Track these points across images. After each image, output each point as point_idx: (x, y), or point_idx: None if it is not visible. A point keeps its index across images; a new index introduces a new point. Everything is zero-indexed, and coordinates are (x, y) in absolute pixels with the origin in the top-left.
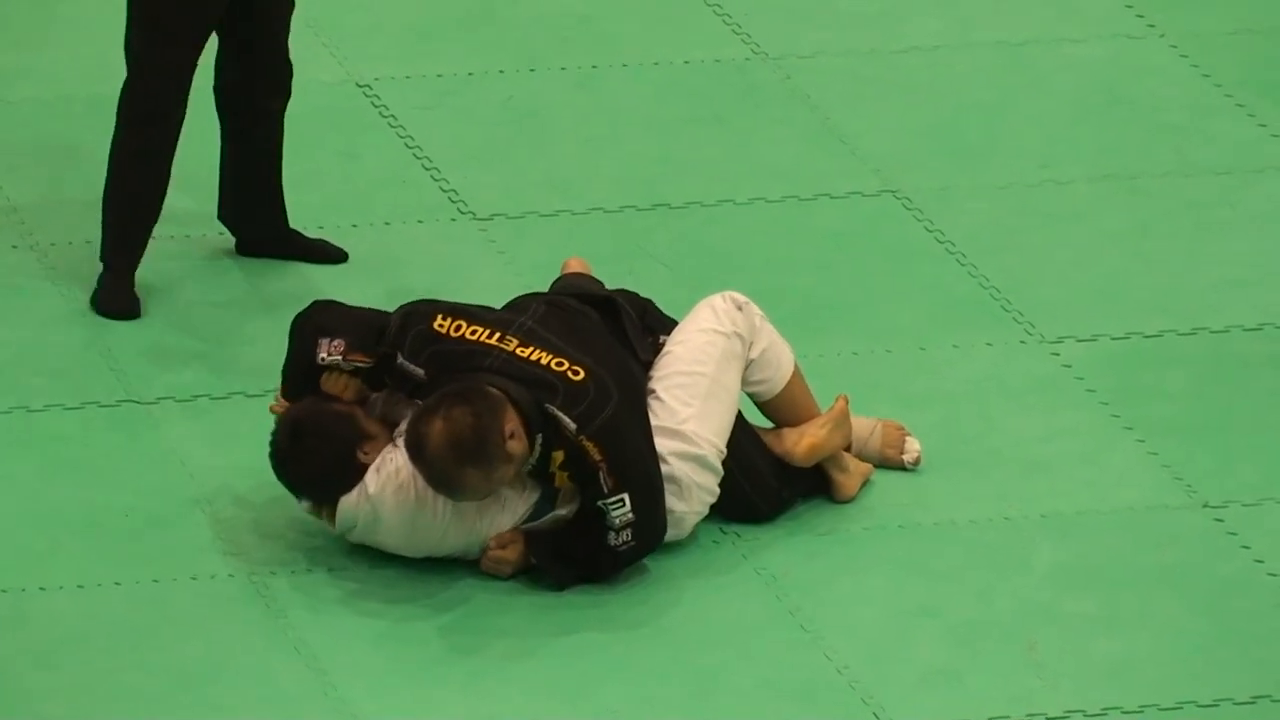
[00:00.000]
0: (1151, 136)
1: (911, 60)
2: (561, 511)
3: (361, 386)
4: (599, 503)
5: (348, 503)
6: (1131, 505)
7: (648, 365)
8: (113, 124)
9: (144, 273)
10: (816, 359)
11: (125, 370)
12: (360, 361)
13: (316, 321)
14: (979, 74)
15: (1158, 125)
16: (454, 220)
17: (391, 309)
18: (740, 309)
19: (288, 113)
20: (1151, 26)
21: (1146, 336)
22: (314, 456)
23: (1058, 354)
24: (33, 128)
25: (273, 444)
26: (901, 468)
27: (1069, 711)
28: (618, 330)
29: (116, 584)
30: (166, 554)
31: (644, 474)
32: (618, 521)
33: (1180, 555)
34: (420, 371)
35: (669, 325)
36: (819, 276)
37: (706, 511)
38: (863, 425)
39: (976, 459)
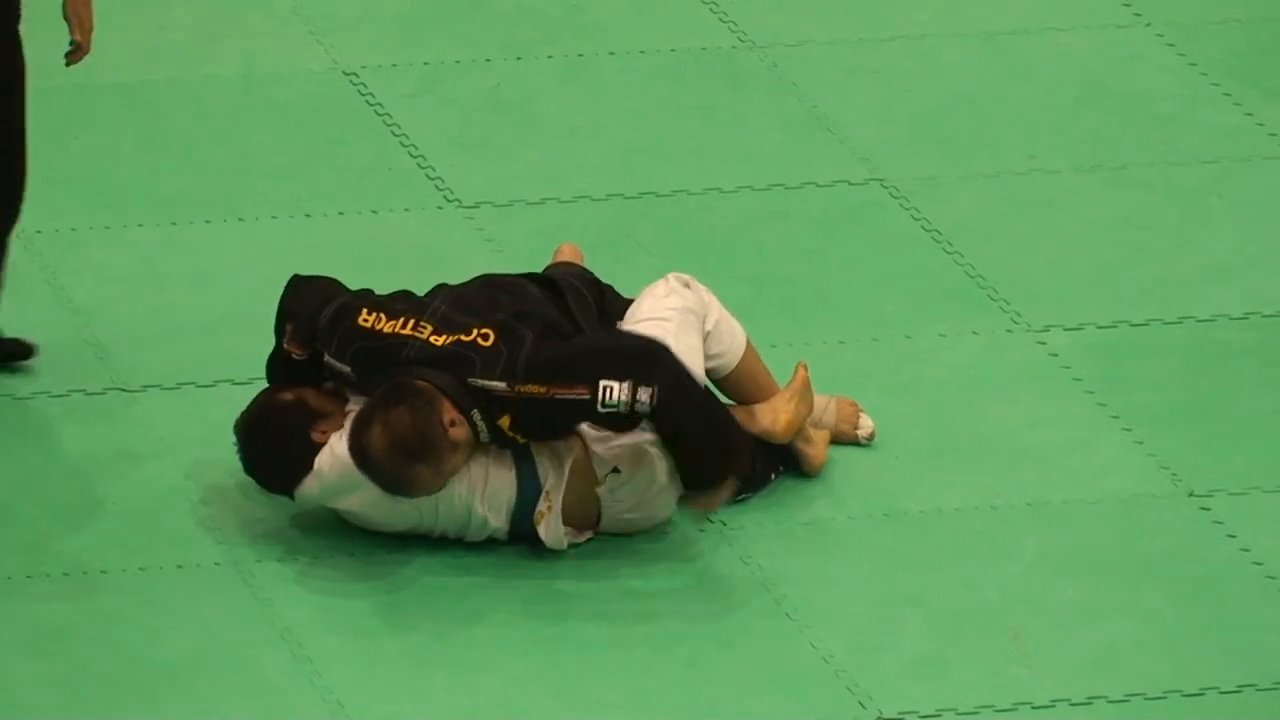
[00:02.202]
0: (1139, 126)
1: (899, 49)
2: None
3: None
4: (600, 410)
5: (304, 487)
6: (1118, 494)
7: None
8: (101, 113)
9: (130, 261)
10: (803, 347)
11: (111, 358)
12: (297, 352)
13: (285, 303)
14: (966, 63)
15: (1145, 115)
16: (440, 208)
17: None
18: (688, 285)
19: (275, 102)
20: (1138, 16)
21: (1133, 325)
22: (270, 454)
23: (1044, 343)
24: None
25: (237, 450)
26: (855, 443)
27: (1055, 700)
28: (562, 306)
29: (103, 572)
30: (152, 542)
31: (589, 355)
32: (626, 399)
33: (1166, 544)
34: (347, 369)
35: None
36: (805, 265)
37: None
38: (817, 401)
39: (962, 447)
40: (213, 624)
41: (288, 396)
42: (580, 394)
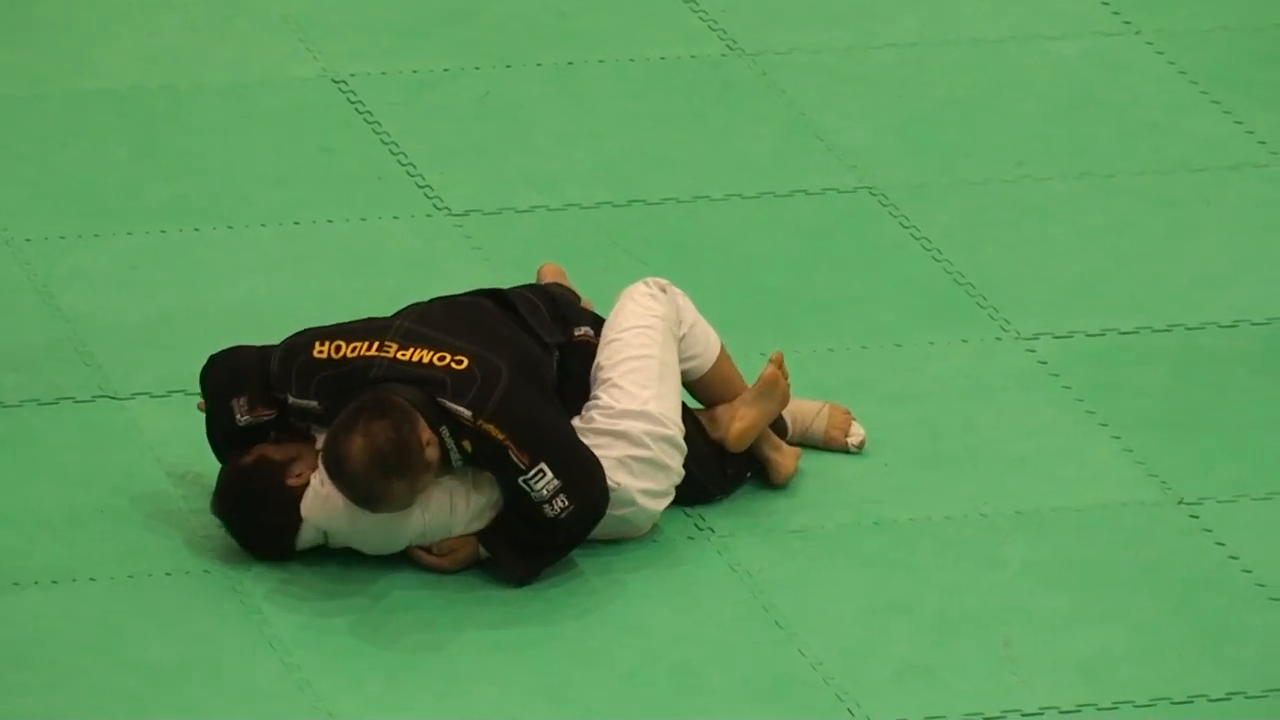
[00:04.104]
0: (1128, 134)
1: (888, 57)
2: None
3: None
4: (520, 481)
5: (302, 539)
6: (1107, 502)
7: (562, 348)
8: (91, 121)
9: (119, 269)
10: (792, 356)
11: (100, 365)
12: (264, 415)
13: (219, 381)
14: (956, 71)
15: (1134, 123)
16: (430, 216)
17: (361, 309)
18: (664, 291)
19: (265, 109)
20: (1128, 24)
21: (1122, 333)
22: (257, 522)
23: (1034, 351)
24: (8, 125)
25: (223, 526)
26: (845, 450)
27: (1044, 708)
28: (516, 318)
29: (91, 580)
30: (141, 550)
31: (553, 437)
32: (545, 492)
33: (1155, 552)
34: (313, 403)
35: (587, 317)
36: (795, 273)
37: (673, 495)
38: (809, 407)
39: (952, 455)
40: (202, 632)
41: (247, 460)
42: (521, 460)
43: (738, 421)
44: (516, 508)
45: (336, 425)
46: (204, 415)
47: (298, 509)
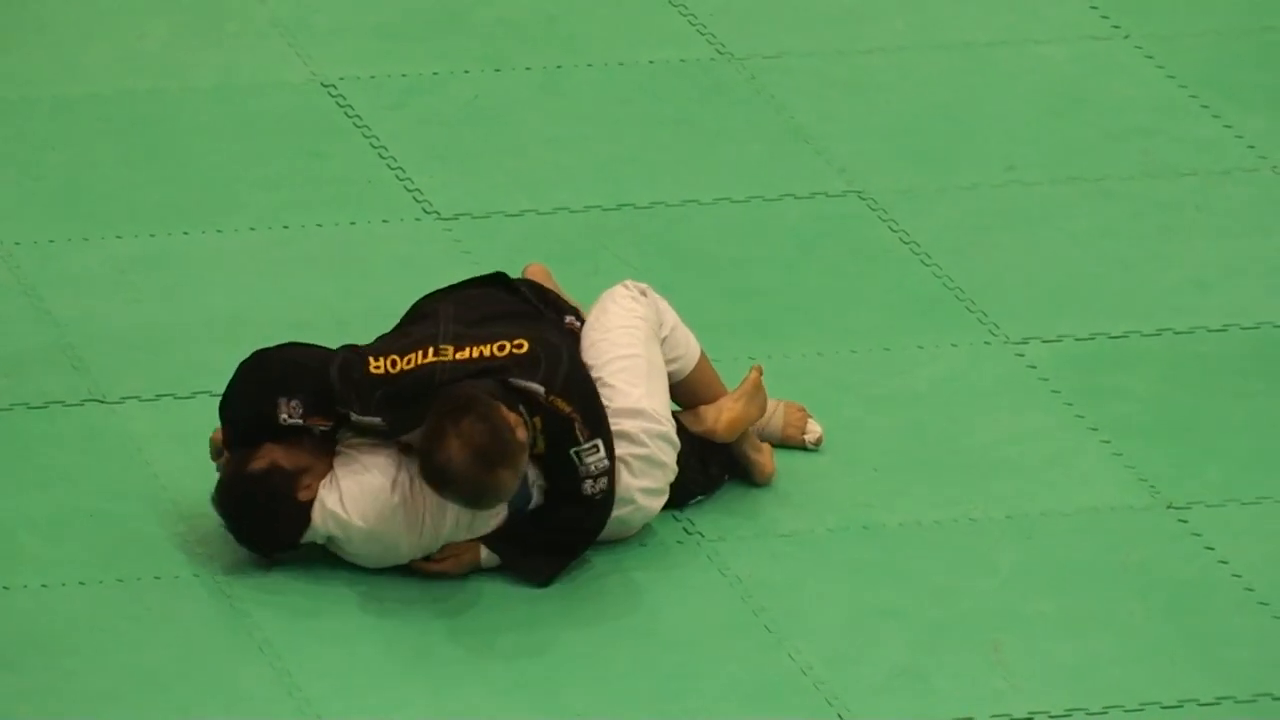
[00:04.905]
0: (1117, 138)
1: (877, 61)
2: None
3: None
4: (573, 451)
5: (306, 539)
6: (1096, 506)
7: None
8: (79, 125)
9: (108, 272)
10: (781, 360)
11: (89, 369)
12: (322, 425)
13: (271, 375)
14: (945, 75)
15: (1123, 127)
16: (419, 220)
17: (350, 312)
18: (644, 294)
19: (254, 113)
20: (1117, 28)
21: (1111, 337)
22: (261, 525)
23: (1022, 355)
24: None
25: (224, 523)
26: (802, 447)
27: (1033, 713)
28: (522, 299)
29: (81, 584)
30: (131, 554)
31: (605, 419)
32: (594, 468)
33: (1145, 556)
34: (378, 419)
35: (567, 307)
36: (784, 277)
37: (668, 493)
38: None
39: (941, 460)
40: (191, 635)
41: (258, 466)
42: (583, 433)
43: (727, 412)
44: (555, 488)
45: (425, 437)
46: (216, 402)
47: (306, 519)
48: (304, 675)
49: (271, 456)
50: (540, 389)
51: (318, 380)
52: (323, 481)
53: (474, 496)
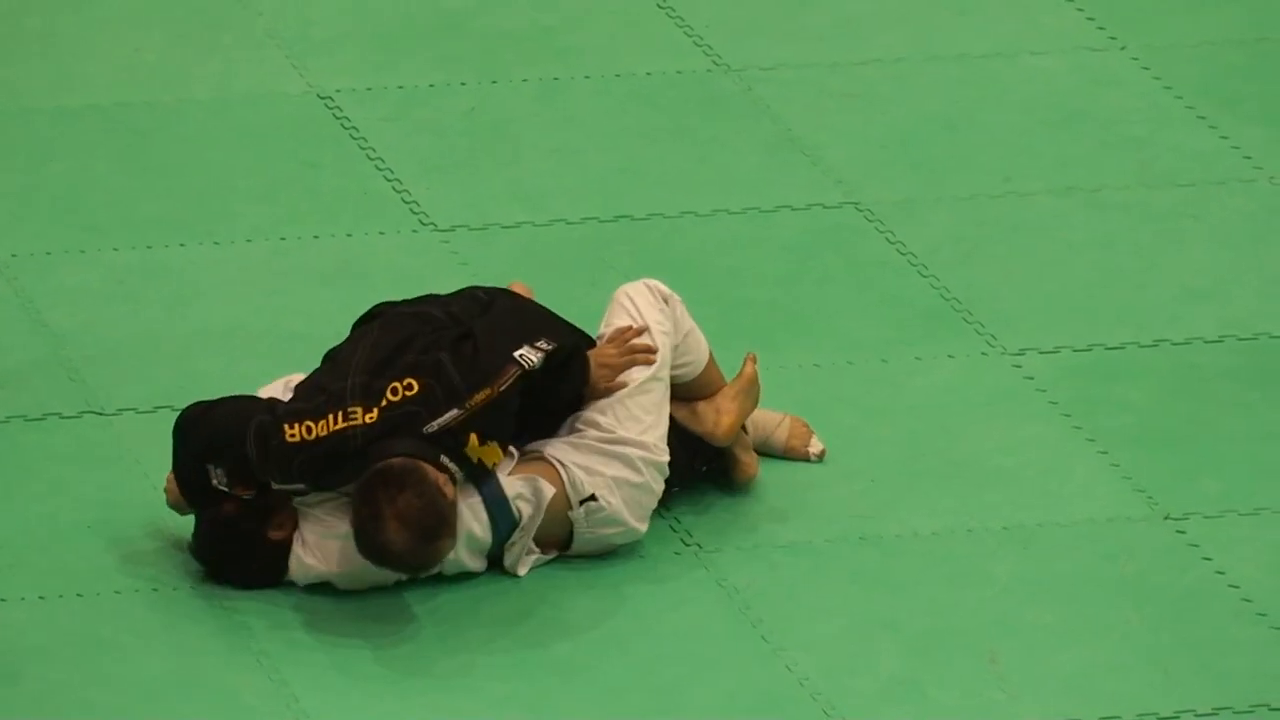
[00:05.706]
0: (1113, 149)
1: (873, 72)
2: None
3: None
4: (521, 389)
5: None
6: (1093, 517)
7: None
8: (77, 136)
9: (105, 284)
10: (778, 370)
11: (86, 381)
12: (244, 493)
13: (198, 444)
14: (941, 86)
15: (1119, 137)
16: (415, 232)
17: (347, 325)
18: (666, 302)
19: (251, 125)
20: (1113, 39)
21: (1108, 348)
22: (238, 565)
23: (1020, 366)
24: None
25: (204, 570)
26: (806, 460)
27: None
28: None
29: (78, 596)
30: (128, 566)
31: (500, 331)
32: (537, 361)
33: (1142, 567)
34: (299, 485)
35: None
36: (780, 288)
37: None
38: (769, 418)
39: (938, 471)
40: (189, 647)
41: (229, 510)
42: (513, 374)
43: (725, 416)
44: (550, 404)
45: (359, 517)
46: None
47: (284, 557)
48: (301, 686)
49: (239, 499)
50: (454, 413)
51: (237, 451)
52: (294, 535)
53: (416, 568)
